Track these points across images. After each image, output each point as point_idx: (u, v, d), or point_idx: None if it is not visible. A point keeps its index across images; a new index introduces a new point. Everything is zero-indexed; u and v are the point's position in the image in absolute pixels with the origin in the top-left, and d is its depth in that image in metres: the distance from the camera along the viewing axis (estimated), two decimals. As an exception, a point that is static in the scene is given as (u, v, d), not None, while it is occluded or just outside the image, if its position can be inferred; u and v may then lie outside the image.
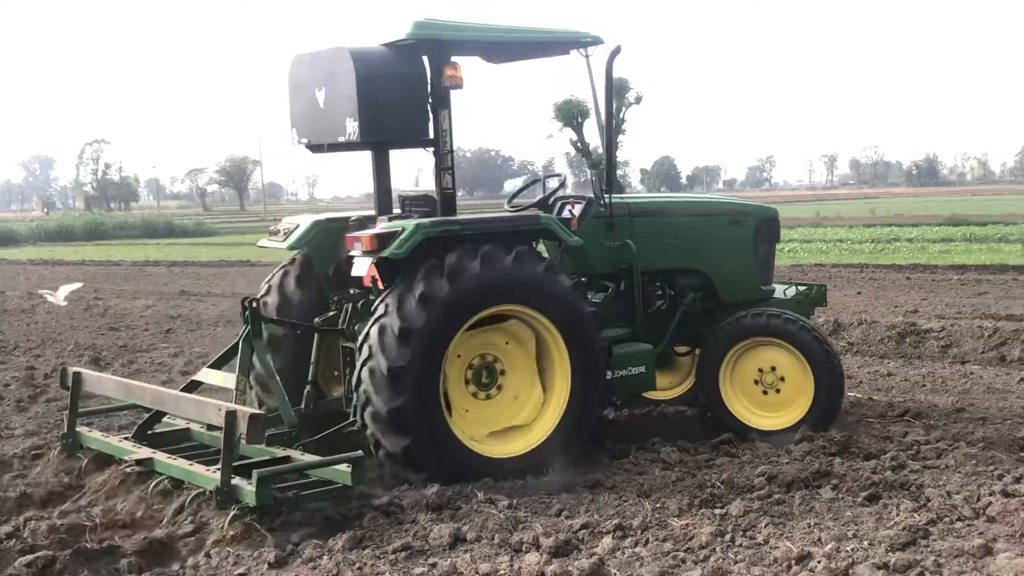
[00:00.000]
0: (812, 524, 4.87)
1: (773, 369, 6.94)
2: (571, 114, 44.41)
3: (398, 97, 5.95)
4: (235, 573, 4.58)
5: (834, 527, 4.80)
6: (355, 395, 5.76)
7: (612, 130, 7.44)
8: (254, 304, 6.12)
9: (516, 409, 6.21)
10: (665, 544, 4.68)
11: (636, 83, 43.96)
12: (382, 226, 5.92)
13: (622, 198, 7.33)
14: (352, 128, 5.87)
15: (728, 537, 4.73)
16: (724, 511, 5.13)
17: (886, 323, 11.50)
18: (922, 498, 5.23)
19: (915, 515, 4.88)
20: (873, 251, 24.74)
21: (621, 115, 44.36)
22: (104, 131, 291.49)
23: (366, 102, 5.77)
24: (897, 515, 4.92)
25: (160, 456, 5.64)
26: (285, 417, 5.91)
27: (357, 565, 4.53)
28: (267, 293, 6.65)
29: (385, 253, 5.60)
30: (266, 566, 4.60)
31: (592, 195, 6.90)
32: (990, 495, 5.11)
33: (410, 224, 5.70)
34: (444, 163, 6.18)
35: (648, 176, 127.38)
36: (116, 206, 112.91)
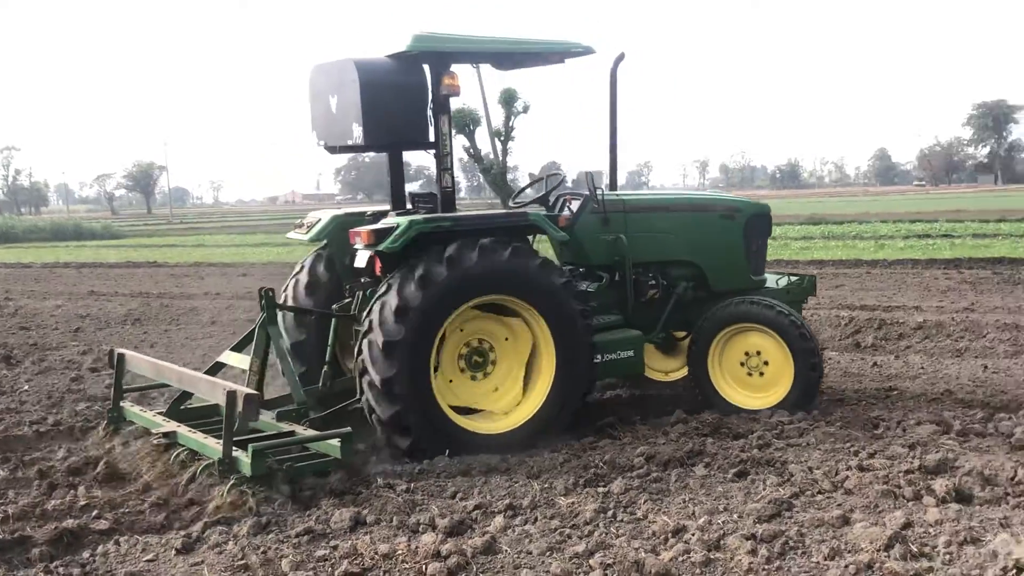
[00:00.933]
0: (687, 499, 5.21)
1: (758, 353, 7.29)
2: (463, 122, 45.69)
3: (400, 104, 6.39)
4: (143, 560, 4.64)
5: (707, 502, 5.15)
6: (355, 365, 6.22)
7: (614, 134, 7.75)
8: (270, 293, 6.49)
9: (493, 399, 6.70)
10: (552, 521, 4.92)
11: (524, 93, 45.82)
12: (382, 222, 6.38)
13: (617, 195, 7.69)
14: (358, 132, 6.34)
15: (610, 513, 5.01)
16: (607, 489, 5.41)
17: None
18: (786, 473, 5.62)
19: (780, 489, 5.26)
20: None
21: (511, 123, 47.18)
22: (14, 138, 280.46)
23: (369, 108, 6.23)
24: (763, 489, 5.29)
25: (183, 430, 6.09)
26: (295, 395, 6.35)
27: (261, 549, 4.63)
28: (295, 282, 7.24)
29: (381, 247, 6.06)
30: (173, 552, 4.68)
31: (587, 193, 7.31)
32: (847, 470, 5.55)
33: (405, 220, 6.12)
34: (444, 164, 6.57)
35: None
36: (26, 211, 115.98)
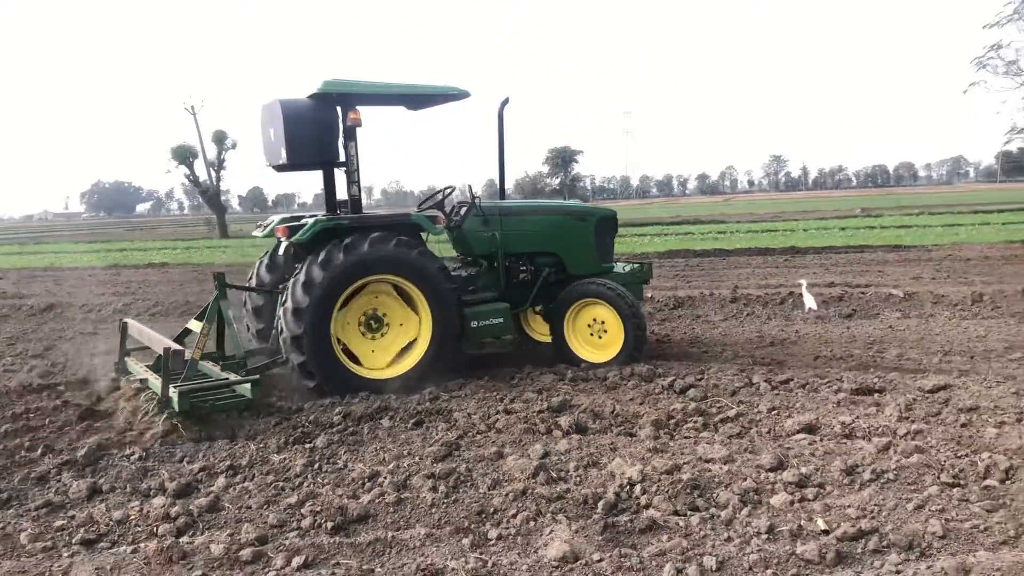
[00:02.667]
0: (378, 448, 6.35)
1: (602, 322, 9.18)
2: (184, 155, 58.98)
3: (315, 133, 8.20)
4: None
5: (393, 448, 6.32)
6: (275, 327, 8.14)
7: (503, 163, 9.64)
8: (221, 275, 8.11)
9: (405, 331, 8.48)
10: (268, 477, 5.82)
11: (233, 132, 58.35)
12: (268, 228, 8.49)
13: (496, 203, 9.60)
14: (284, 155, 8.11)
15: (316, 466, 6.01)
16: (312, 445, 6.42)
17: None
18: (452, 419, 6.99)
19: (448, 433, 6.59)
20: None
21: (222, 156, 60.27)
22: None
23: (291, 137, 8.06)
24: (436, 434, 6.60)
25: (152, 377, 7.52)
26: (236, 351, 7.95)
27: (0, 525, 5.05)
28: (257, 267, 9.32)
29: (293, 239, 7.97)
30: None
31: (470, 201, 9.32)
32: (496, 413, 7.04)
33: (312, 219, 8.05)
34: (353, 178, 8.36)
35: (245, 201, 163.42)
36: None
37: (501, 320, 8.98)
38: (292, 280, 7.91)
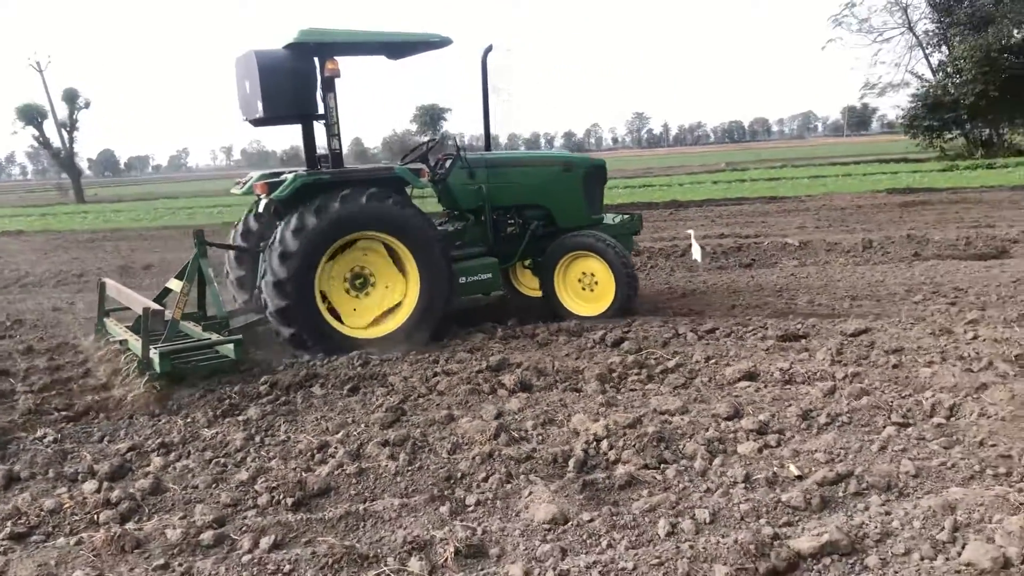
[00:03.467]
0: (318, 418, 6.04)
1: (592, 275, 9.01)
2: (31, 114, 56.15)
3: (292, 85, 7.78)
4: None
5: (334, 417, 6.02)
6: (261, 299, 7.75)
7: (487, 115, 9.32)
8: (200, 233, 7.67)
9: (390, 294, 8.18)
10: (206, 453, 5.43)
11: (84, 90, 53.24)
12: (247, 184, 8.25)
13: (482, 154, 9.33)
14: (259, 108, 7.70)
15: (258, 439, 5.66)
16: (245, 417, 6.05)
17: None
18: (388, 384, 6.75)
19: (389, 398, 6.34)
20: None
21: (74, 116, 57.94)
22: None
23: (266, 88, 7.64)
24: (376, 400, 6.34)
25: (131, 338, 7.42)
26: (217, 311, 7.73)
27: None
28: (238, 225, 9.08)
29: (272, 196, 7.68)
30: None
31: (455, 153, 9.04)
32: (435, 376, 6.84)
33: (291, 175, 7.70)
34: (332, 131, 8.03)
35: (95, 164, 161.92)
36: None
37: (489, 275, 8.75)
38: (277, 231, 7.63)
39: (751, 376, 6.49)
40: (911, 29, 48.16)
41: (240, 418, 6.05)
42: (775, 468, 4.72)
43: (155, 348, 6.66)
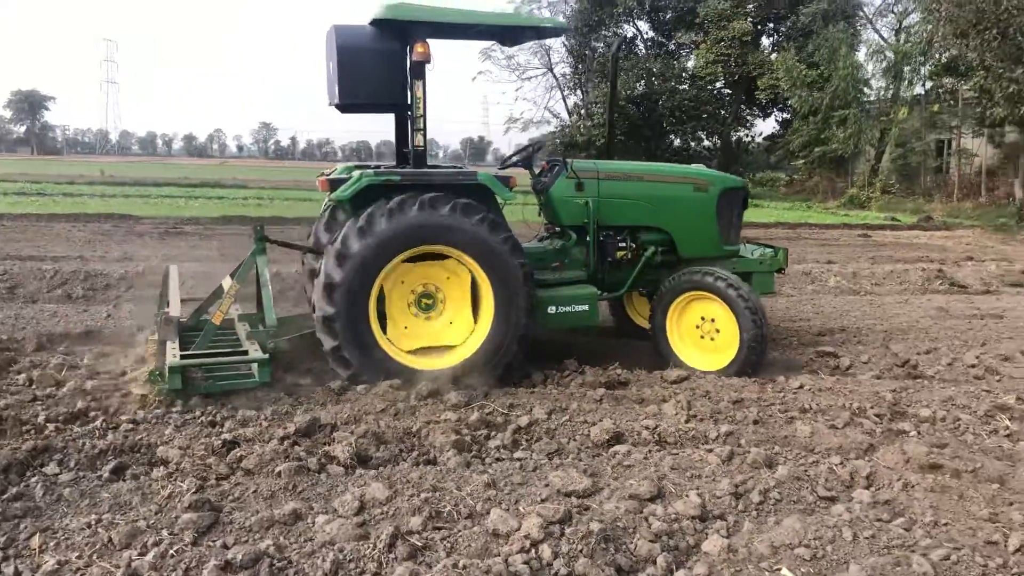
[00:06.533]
0: (85, 525, 4.06)
1: (712, 320, 7.52)
2: None
3: (373, 68, 6.75)
4: None
5: (113, 520, 4.09)
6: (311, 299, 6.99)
7: (612, 114, 8.86)
8: (259, 227, 7.04)
9: (450, 332, 7.01)
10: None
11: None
12: (336, 174, 7.14)
13: (594, 163, 7.95)
14: (335, 93, 6.83)
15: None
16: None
17: None
18: (164, 460, 4.93)
19: (180, 483, 4.54)
20: None
21: None
22: None
23: (345, 71, 6.70)
24: (158, 487, 4.50)
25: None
26: (267, 319, 6.71)
27: None
28: (316, 225, 7.94)
29: (333, 196, 6.67)
30: None
31: (561, 160, 7.83)
32: (222, 446, 5.11)
33: (358, 173, 6.64)
34: (417, 125, 6.86)
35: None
36: None
37: (586, 308, 7.38)
38: (330, 246, 6.64)
39: (619, 438, 5.58)
40: (551, 71, 51.31)
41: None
42: (766, 574, 3.82)
43: (174, 357, 6.00)
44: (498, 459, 5.17)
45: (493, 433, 5.55)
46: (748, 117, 50.57)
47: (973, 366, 8.08)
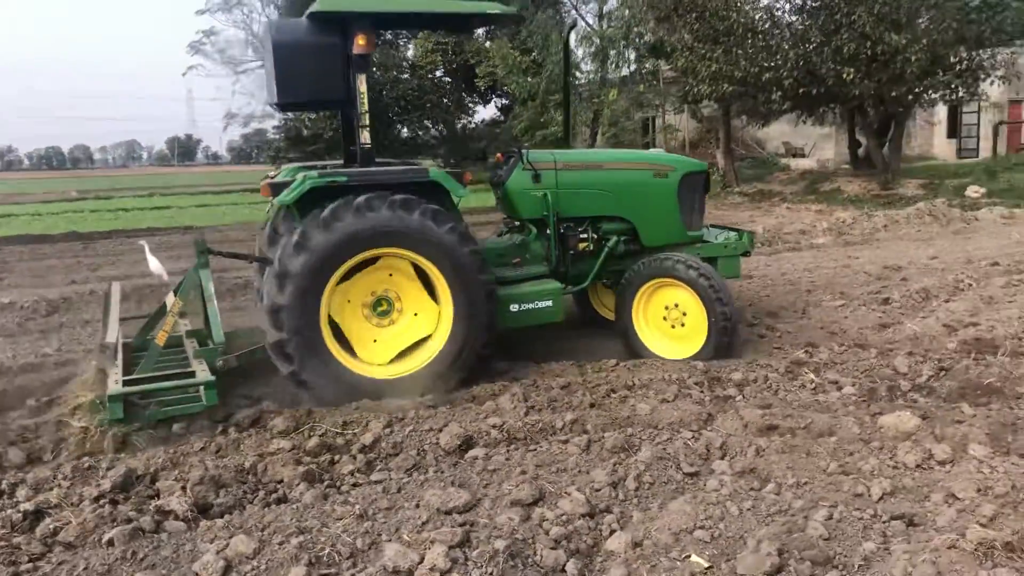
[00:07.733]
0: None
1: (676, 305, 7.34)
2: None
3: (312, 63, 6.40)
4: None
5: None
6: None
7: (568, 98, 8.27)
8: (201, 240, 6.58)
9: (420, 322, 6.68)
10: None
11: None
12: (281, 176, 6.64)
13: (551, 152, 7.62)
14: (273, 91, 6.44)
15: None
16: None
17: None
18: None
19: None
20: None
21: None
22: None
23: (282, 68, 6.33)
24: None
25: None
26: (214, 336, 6.43)
27: None
28: (263, 228, 7.29)
29: (275, 200, 6.27)
30: None
31: (518, 150, 7.49)
32: (39, 513, 4.26)
33: (302, 175, 6.22)
34: (361, 121, 6.56)
35: None
36: None
37: (549, 303, 7.13)
38: (279, 247, 6.22)
39: (470, 441, 5.35)
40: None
41: None
42: (677, 564, 3.75)
43: (109, 392, 5.51)
44: (355, 484, 4.75)
45: (338, 457, 5.11)
46: (470, 105, 51.56)
47: (753, 325, 8.65)
